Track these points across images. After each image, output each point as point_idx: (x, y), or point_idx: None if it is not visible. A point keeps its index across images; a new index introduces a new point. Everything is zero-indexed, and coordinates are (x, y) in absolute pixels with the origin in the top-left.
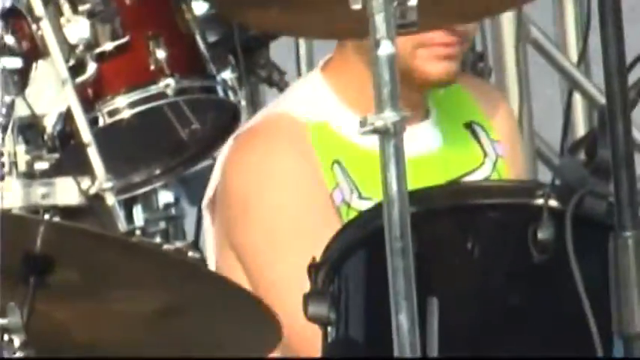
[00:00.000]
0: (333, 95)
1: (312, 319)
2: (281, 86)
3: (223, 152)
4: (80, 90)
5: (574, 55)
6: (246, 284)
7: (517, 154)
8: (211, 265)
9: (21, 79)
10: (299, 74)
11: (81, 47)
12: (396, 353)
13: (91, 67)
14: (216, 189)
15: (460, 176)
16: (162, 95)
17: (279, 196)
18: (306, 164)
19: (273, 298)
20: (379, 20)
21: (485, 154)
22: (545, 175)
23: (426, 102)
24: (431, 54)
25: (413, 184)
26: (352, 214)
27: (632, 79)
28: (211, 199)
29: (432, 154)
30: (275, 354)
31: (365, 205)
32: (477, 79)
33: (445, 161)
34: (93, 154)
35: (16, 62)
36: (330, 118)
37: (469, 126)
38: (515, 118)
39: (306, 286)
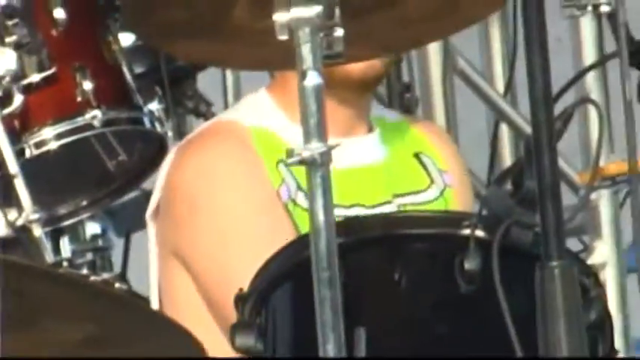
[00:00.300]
0: (277, 109)
1: (240, 350)
2: (208, 117)
3: (166, 162)
4: (7, 121)
5: (500, 86)
6: (188, 291)
7: (464, 189)
8: (152, 278)
9: None
10: (226, 106)
11: (7, 78)
12: None
13: (18, 99)
14: (159, 200)
15: (404, 193)
16: (89, 127)
17: (227, 197)
18: (250, 164)
19: (225, 299)
20: (306, 51)
21: (432, 181)
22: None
23: (368, 116)
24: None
25: (355, 192)
26: (298, 211)
27: (558, 109)
28: (155, 210)
29: (376, 165)
30: None
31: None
32: (423, 119)
33: (389, 174)
34: (19, 185)
35: None
36: (273, 126)
37: (417, 156)
38: (461, 155)
39: None
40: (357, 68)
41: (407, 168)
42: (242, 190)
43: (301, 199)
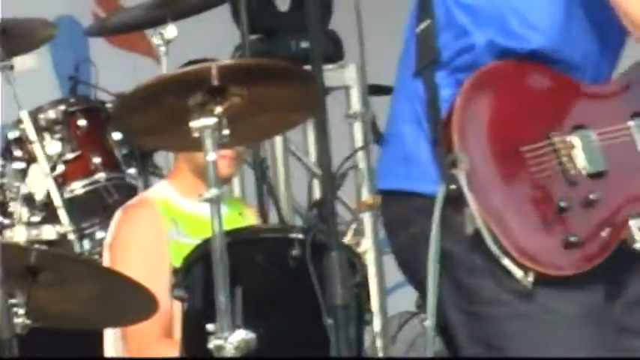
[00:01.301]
0: (171, 188)
1: (175, 297)
2: (161, 176)
3: (116, 214)
4: (55, 179)
5: (313, 158)
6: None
7: None
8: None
9: (23, 175)
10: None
11: (55, 157)
12: (218, 315)
13: (60, 167)
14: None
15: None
16: (97, 182)
17: (130, 246)
18: (153, 221)
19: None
20: (208, 142)
21: None
22: (299, 222)
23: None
24: (223, 160)
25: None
26: (181, 245)
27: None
28: (109, 242)
29: (225, 216)
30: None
31: (187, 240)
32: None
33: (230, 221)
34: (61, 212)
35: (21, 164)
36: (170, 198)
37: (240, 214)
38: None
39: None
40: (224, 171)
41: (237, 218)
42: (140, 245)
43: (182, 239)
